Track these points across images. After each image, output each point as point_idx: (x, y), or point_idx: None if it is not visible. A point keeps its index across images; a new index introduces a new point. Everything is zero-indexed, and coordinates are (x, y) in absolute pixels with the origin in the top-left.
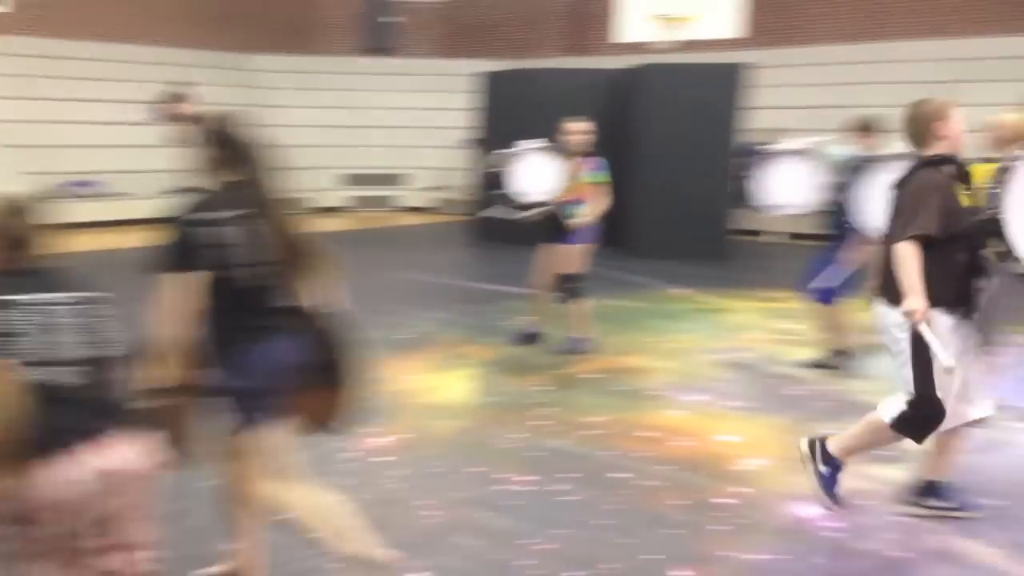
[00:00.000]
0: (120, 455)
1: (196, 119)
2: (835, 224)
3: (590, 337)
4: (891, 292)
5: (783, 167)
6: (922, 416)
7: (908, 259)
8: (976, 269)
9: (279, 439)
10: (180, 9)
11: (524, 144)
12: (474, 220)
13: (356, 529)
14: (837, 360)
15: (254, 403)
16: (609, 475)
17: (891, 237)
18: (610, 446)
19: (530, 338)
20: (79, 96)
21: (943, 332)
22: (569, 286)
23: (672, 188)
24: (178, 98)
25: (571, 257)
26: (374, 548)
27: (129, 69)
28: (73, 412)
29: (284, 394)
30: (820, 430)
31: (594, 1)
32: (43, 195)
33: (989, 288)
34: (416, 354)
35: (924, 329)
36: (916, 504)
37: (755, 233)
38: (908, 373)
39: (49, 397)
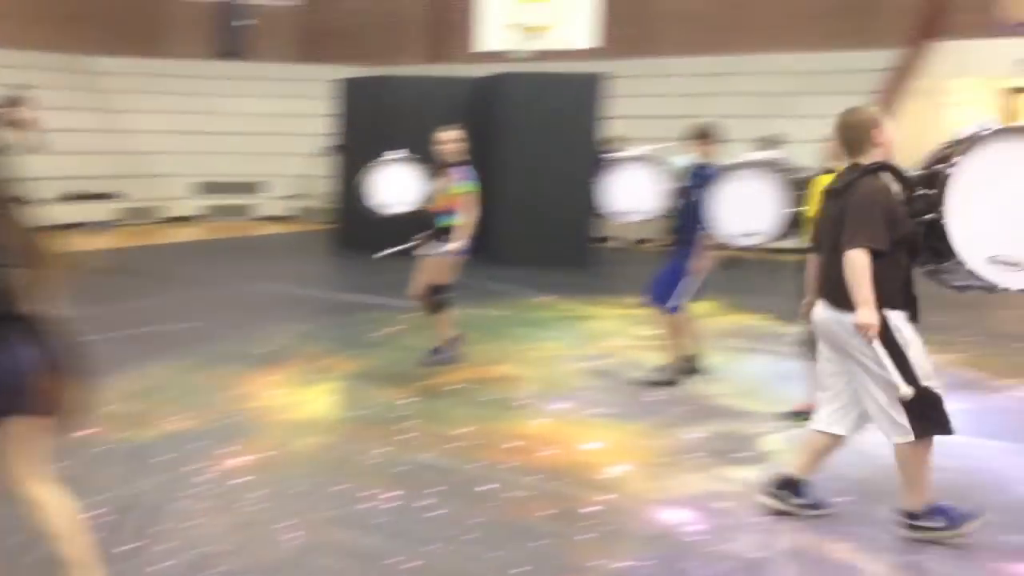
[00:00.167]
0: None
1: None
2: (678, 230)
3: (457, 348)
4: (840, 298)
5: (626, 174)
6: (921, 407)
7: (860, 268)
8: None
9: (20, 439)
10: (16, 7)
11: (389, 155)
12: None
13: (87, 548)
14: (686, 367)
15: None
16: (476, 488)
17: (840, 245)
18: (476, 458)
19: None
20: None
21: (905, 327)
22: (437, 297)
23: (534, 196)
24: (13, 102)
25: (441, 267)
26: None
27: None
28: None
29: (19, 394)
30: (682, 435)
31: (454, 10)
32: None
33: None
34: (276, 368)
35: (877, 345)
36: (774, 496)
37: (604, 239)
38: (882, 368)
39: None
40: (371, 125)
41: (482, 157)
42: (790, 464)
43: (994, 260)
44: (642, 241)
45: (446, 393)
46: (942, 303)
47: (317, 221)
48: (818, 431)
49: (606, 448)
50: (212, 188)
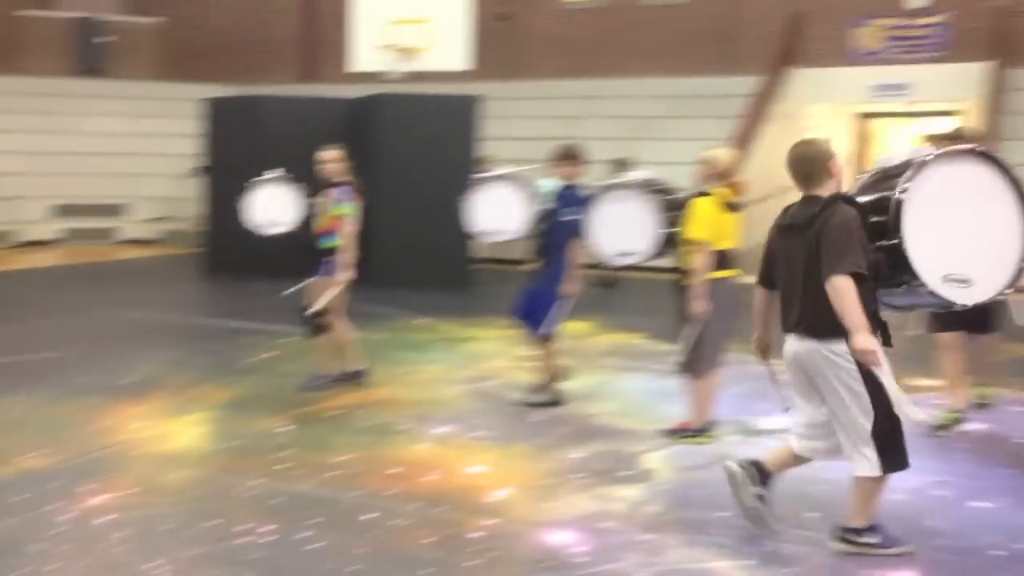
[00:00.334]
0: None
1: None
2: (545, 253)
3: (340, 371)
4: (820, 328)
5: (492, 194)
6: (889, 442)
7: (849, 294)
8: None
9: None
10: None
11: (267, 175)
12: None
13: None
14: (554, 390)
15: None
16: (357, 517)
17: (825, 272)
18: (357, 486)
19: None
20: None
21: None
22: (316, 320)
23: (411, 217)
24: None
25: (322, 290)
26: None
27: None
28: None
29: None
30: (564, 455)
31: (326, 29)
32: None
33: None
34: (143, 399)
35: (878, 371)
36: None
37: (484, 260)
38: (866, 407)
39: None
40: (241, 145)
41: (358, 178)
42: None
43: (947, 279)
44: (521, 261)
45: (324, 419)
46: None
47: (184, 244)
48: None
49: (489, 471)
50: (71, 211)
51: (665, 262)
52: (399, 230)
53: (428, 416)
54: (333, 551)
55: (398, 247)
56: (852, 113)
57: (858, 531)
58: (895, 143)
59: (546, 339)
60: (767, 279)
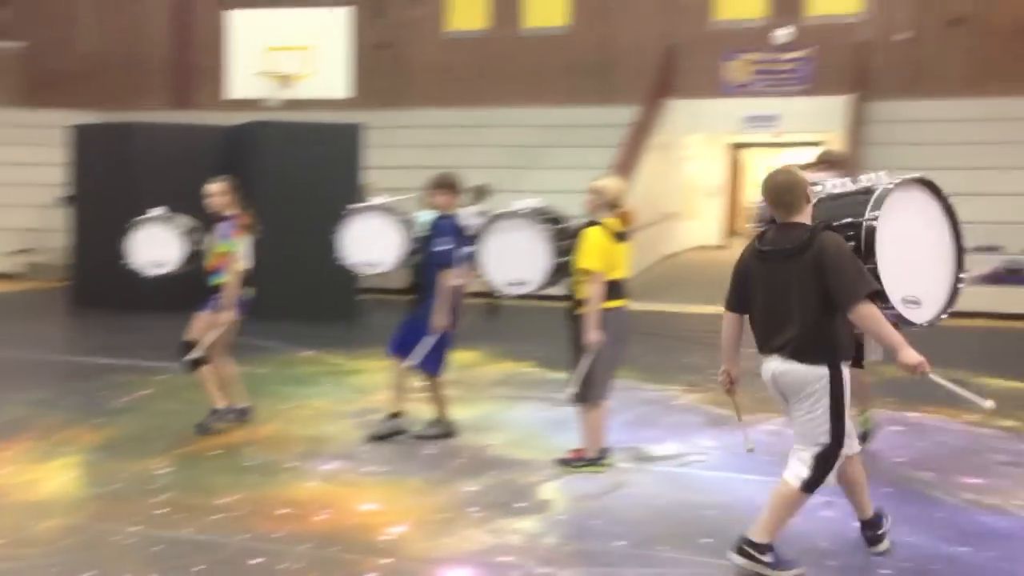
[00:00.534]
0: None
1: None
2: (420, 285)
3: (223, 408)
4: (805, 352)
5: (368, 225)
6: (827, 462)
7: (878, 317)
8: None
9: None
10: None
11: (152, 212)
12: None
13: None
14: (393, 424)
15: None
16: (244, 562)
17: (846, 302)
18: (242, 529)
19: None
20: None
21: (847, 383)
22: (193, 357)
23: (295, 248)
24: None
25: (208, 326)
26: None
27: None
28: None
29: None
30: (458, 489)
31: (201, 55)
32: None
33: None
34: (8, 443)
35: (936, 376)
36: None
37: (370, 291)
38: (821, 421)
39: None
40: (110, 174)
41: (247, 211)
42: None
43: (905, 300)
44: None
45: (206, 459)
46: (687, 346)
47: (50, 277)
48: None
49: (382, 508)
50: None
51: (555, 291)
52: (281, 262)
53: (316, 452)
54: None
55: (281, 279)
56: (725, 143)
57: (760, 548)
58: (765, 171)
59: (428, 374)
60: (738, 304)
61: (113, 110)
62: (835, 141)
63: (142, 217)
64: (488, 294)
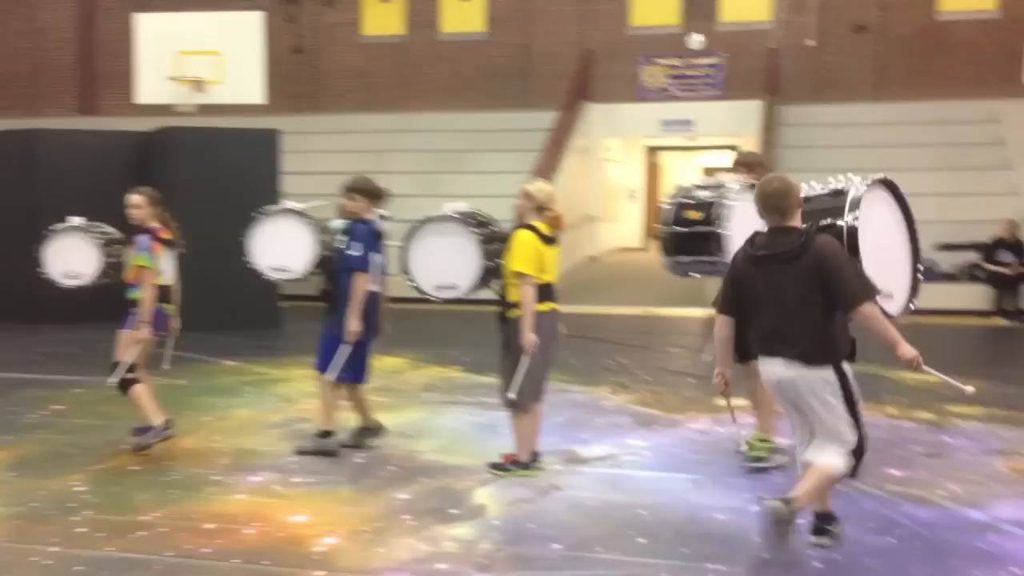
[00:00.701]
0: None
1: None
2: (333, 293)
3: (159, 425)
4: (810, 354)
5: (280, 231)
6: (861, 452)
7: (880, 317)
8: None
9: None
10: None
11: (71, 221)
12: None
13: None
14: (324, 442)
15: None
16: None
17: (848, 303)
18: (168, 546)
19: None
20: None
21: (853, 379)
22: (123, 378)
23: (213, 256)
24: None
25: (129, 343)
26: None
27: None
28: None
29: None
30: (393, 496)
31: (110, 59)
32: None
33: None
34: None
35: (928, 368)
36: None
37: (293, 298)
38: (842, 422)
39: None
40: (13, 182)
41: (171, 224)
42: (811, 505)
43: (883, 295)
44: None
45: (127, 475)
46: (613, 347)
47: None
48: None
49: (313, 520)
50: None
51: (477, 295)
52: (199, 270)
53: (242, 465)
54: None
55: (199, 287)
56: (643, 146)
57: (826, 519)
58: (683, 174)
59: (349, 383)
60: (732, 308)
61: (17, 116)
62: (749, 144)
63: (60, 226)
64: (424, 299)
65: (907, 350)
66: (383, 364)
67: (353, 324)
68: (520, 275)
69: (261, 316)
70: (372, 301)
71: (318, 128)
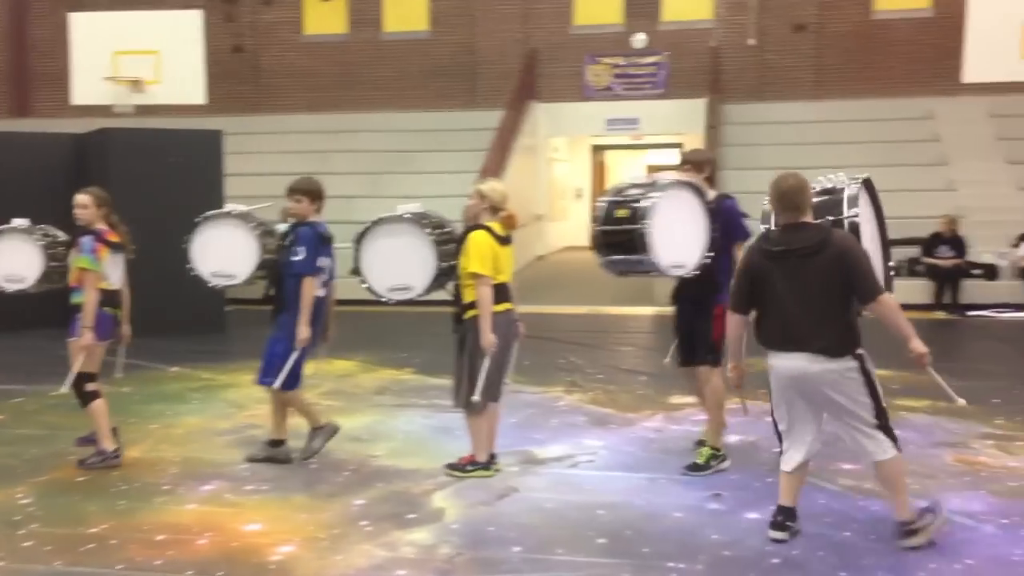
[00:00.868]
0: None
1: None
2: (279, 297)
3: (109, 451)
4: (833, 347)
5: (222, 234)
6: (888, 425)
7: (897, 308)
8: None
9: None
10: None
11: (15, 222)
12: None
13: None
14: (273, 451)
15: None
16: None
17: (868, 295)
18: (118, 559)
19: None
20: None
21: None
22: (78, 388)
23: (155, 259)
24: None
25: (76, 353)
26: None
27: None
28: None
29: None
30: (349, 502)
31: (43, 60)
32: None
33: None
34: None
35: (931, 369)
36: (785, 530)
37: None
38: (865, 409)
39: None
40: None
41: (119, 225)
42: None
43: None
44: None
45: (72, 487)
46: (564, 347)
47: None
48: (790, 473)
49: (267, 528)
50: None
51: (428, 297)
52: (141, 274)
53: (192, 473)
54: None
55: (141, 292)
56: (589, 145)
57: (912, 521)
58: (628, 172)
59: (285, 392)
60: (746, 305)
61: None
62: (694, 142)
63: (2, 227)
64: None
65: (919, 345)
66: (333, 367)
67: (303, 332)
68: (476, 276)
69: (205, 320)
70: (318, 306)
71: (260, 129)
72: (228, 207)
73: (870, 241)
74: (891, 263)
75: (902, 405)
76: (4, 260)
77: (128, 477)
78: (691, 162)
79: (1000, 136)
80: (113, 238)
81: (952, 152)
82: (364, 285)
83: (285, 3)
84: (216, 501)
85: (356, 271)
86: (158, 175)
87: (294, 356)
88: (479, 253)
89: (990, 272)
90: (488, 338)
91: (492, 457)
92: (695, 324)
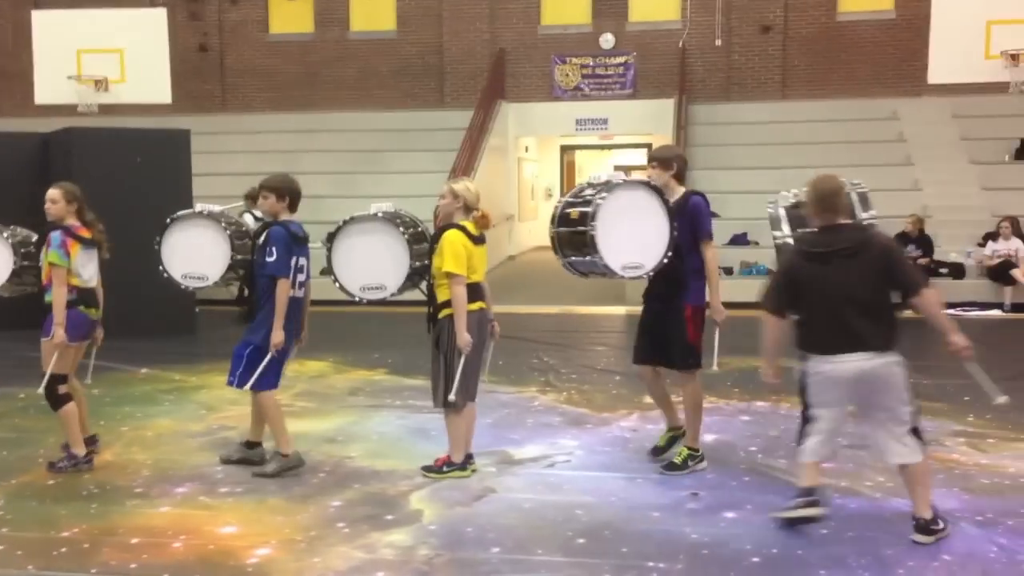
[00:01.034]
0: None
1: None
2: (251, 299)
3: (80, 455)
4: (883, 343)
5: (192, 235)
6: (917, 426)
7: (939, 302)
8: None
9: None
10: None
11: None
12: None
13: None
14: (250, 453)
15: None
16: None
17: (912, 290)
18: (91, 563)
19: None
20: None
21: None
22: (49, 390)
23: (123, 260)
24: None
25: (50, 354)
26: None
27: None
28: None
29: None
30: (325, 504)
31: (7, 59)
32: None
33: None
34: None
35: (971, 365)
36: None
37: (206, 302)
38: (903, 404)
39: None
40: None
41: (92, 221)
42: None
43: None
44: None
45: (42, 490)
46: (537, 347)
47: None
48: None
49: (243, 531)
50: None
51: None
52: (108, 274)
53: (165, 476)
54: None
55: (109, 293)
56: (559, 145)
57: (932, 520)
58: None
59: (258, 393)
60: (788, 308)
61: None
62: (663, 143)
63: None
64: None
65: (960, 339)
66: (306, 368)
67: (277, 335)
68: (451, 275)
69: (176, 321)
70: (294, 307)
71: (227, 128)
72: (199, 207)
73: None
74: None
75: None
76: None
77: (100, 480)
78: (657, 159)
79: (964, 136)
80: (85, 234)
81: (917, 152)
82: (336, 284)
83: (251, 2)
84: (190, 503)
85: (328, 270)
86: (125, 175)
87: (267, 359)
88: (454, 252)
89: (956, 271)
90: (464, 337)
91: (468, 457)
92: (667, 327)
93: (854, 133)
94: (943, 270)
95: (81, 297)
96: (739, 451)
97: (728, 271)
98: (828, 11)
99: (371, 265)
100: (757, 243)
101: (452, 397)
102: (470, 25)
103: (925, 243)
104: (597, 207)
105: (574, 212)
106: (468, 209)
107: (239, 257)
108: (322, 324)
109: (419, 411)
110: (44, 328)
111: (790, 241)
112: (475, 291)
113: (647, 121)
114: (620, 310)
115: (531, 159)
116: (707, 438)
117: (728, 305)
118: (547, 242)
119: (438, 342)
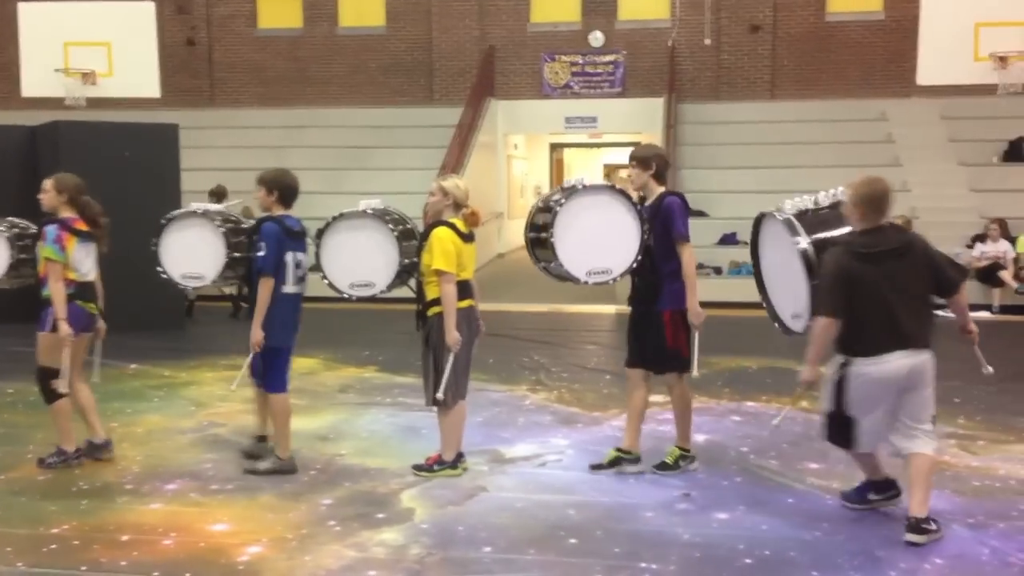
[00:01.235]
0: None
1: None
2: (250, 294)
3: (70, 451)
4: (926, 339)
5: (188, 235)
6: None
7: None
8: None
9: None
10: None
11: None
12: None
13: None
14: (256, 447)
15: None
16: None
17: (954, 286)
18: (81, 560)
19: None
20: None
21: None
22: (43, 384)
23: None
24: None
25: (47, 347)
26: None
27: None
28: None
29: None
30: (317, 502)
31: None
32: None
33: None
34: None
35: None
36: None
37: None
38: (932, 400)
39: None
40: None
41: (90, 213)
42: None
43: None
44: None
45: (32, 486)
46: (527, 345)
47: None
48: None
49: (234, 528)
50: None
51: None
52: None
53: (155, 472)
54: None
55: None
56: (548, 143)
57: (927, 520)
58: (587, 171)
59: (270, 392)
60: (844, 310)
61: None
62: (652, 142)
63: None
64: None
65: (975, 327)
66: (296, 365)
67: (256, 333)
68: (440, 273)
69: (166, 317)
70: (293, 303)
71: (214, 123)
72: (194, 206)
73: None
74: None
75: None
76: None
77: (89, 476)
78: (637, 159)
79: (952, 138)
80: (81, 226)
81: (905, 154)
82: (325, 281)
83: None
84: (181, 500)
85: (316, 266)
86: (113, 170)
87: (250, 357)
88: (443, 250)
89: None
90: (453, 335)
91: (459, 456)
92: (646, 333)
93: (842, 134)
94: None
95: (79, 291)
96: (730, 451)
97: (717, 271)
98: (817, 11)
99: (360, 262)
100: (746, 243)
101: (440, 395)
102: (459, 22)
103: None
104: (555, 214)
105: (540, 219)
106: (457, 206)
107: (236, 255)
108: (312, 321)
109: (410, 409)
110: (41, 322)
111: (808, 247)
112: (464, 289)
113: (636, 120)
114: (610, 309)
115: (520, 156)
116: (698, 438)
117: (717, 305)
118: None
119: (428, 340)
